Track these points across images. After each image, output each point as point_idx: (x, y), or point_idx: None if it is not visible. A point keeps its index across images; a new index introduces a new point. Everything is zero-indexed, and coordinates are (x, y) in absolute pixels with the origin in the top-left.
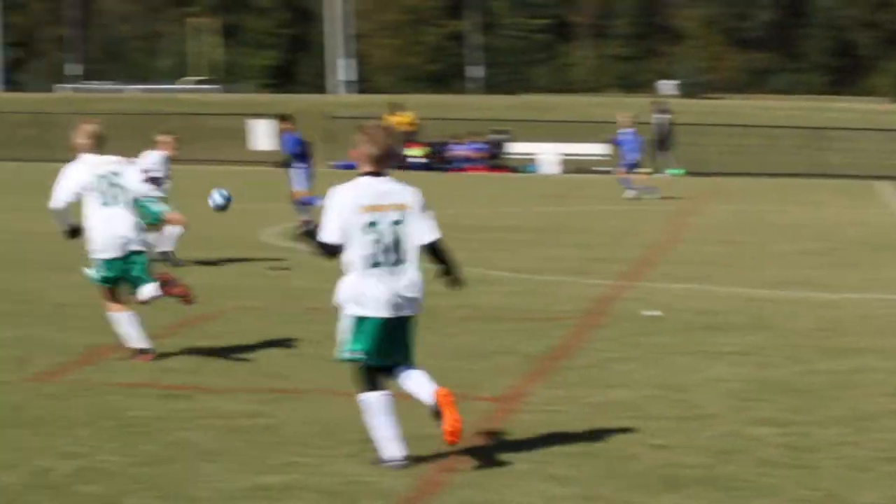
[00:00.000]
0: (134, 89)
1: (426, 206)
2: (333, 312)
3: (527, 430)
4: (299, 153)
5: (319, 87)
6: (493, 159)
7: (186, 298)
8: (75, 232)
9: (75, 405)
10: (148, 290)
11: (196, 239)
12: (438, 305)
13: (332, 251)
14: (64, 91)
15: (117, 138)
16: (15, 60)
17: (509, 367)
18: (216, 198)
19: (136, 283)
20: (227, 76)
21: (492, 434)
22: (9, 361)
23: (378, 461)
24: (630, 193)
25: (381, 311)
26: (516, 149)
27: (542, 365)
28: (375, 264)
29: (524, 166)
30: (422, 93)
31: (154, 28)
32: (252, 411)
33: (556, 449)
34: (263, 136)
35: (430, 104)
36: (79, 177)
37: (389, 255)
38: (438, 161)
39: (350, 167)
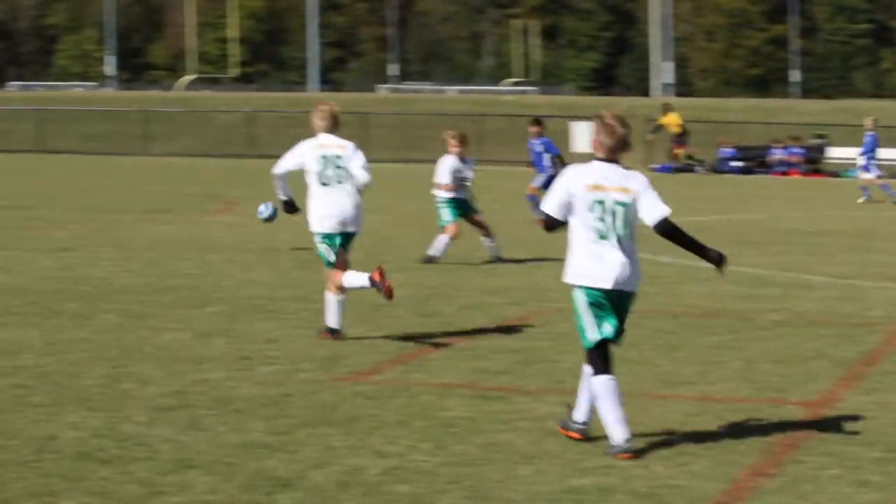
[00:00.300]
0: (454, 90)
1: (653, 188)
2: (649, 315)
3: (837, 435)
4: (545, 155)
5: (642, 91)
6: (813, 164)
7: (389, 294)
8: (291, 206)
9: (388, 405)
10: (355, 277)
11: (514, 240)
12: (753, 309)
13: (551, 224)
14: (384, 91)
15: (438, 139)
16: (334, 60)
17: (821, 371)
18: (262, 210)
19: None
20: (547, 77)
21: (802, 438)
22: (321, 360)
23: (612, 449)
24: (864, 197)
25: (606, 284)
26: (836, 153)
27: (854, 370)
28: (600, 238)
29: (844, 171)
30: (742, 96)
31: (476, 29)
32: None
33: (867, 454)
34: (584, 138)
35: (750, 108)
36: (305, 153)
37: (612, 232)
38: (757, 165)
39: (667, 169)
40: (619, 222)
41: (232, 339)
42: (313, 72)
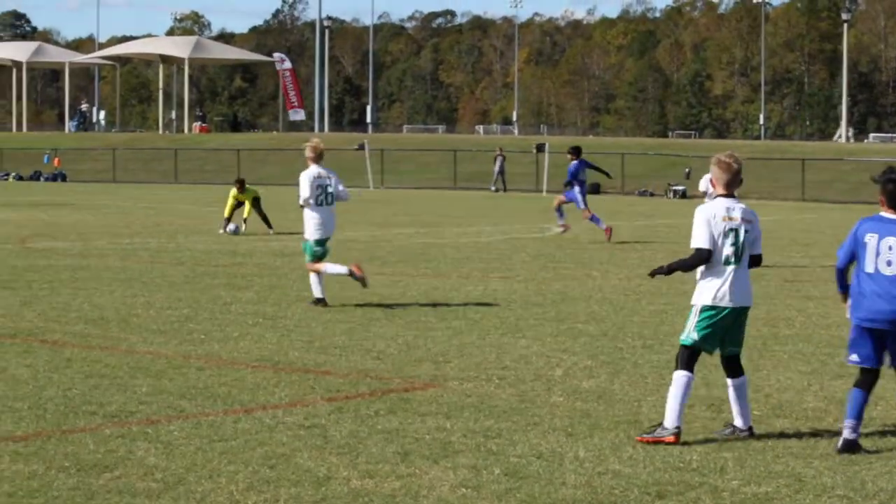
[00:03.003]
0: None
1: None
2: None
3: None
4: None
5: None
6: None
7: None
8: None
9: None
10: (335, 267)
11: None
12: None
13: (706, 256)
14: None
15: None
16: None
17: None
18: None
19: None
20: None
21: None
22: None
23: (652, 428)
24: None
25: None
26: None
27: None
28: (727, 263)
29: None
30: None
31: None
32: None
33: None
34: None
35: None
36: (308, 181)
37: (739, 256)
38: None
39: None
40: (743, 248)
41: None
42: None
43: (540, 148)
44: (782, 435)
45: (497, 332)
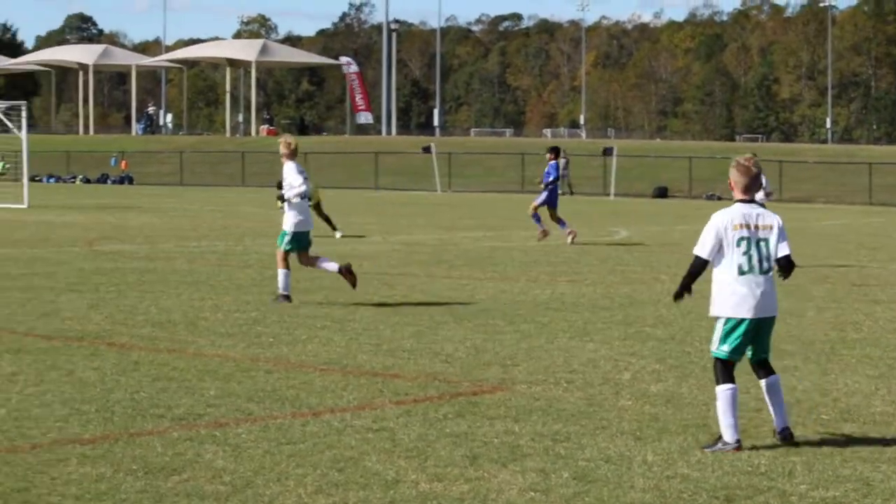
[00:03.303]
0: None
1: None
2: None
3: None
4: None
5: None
6: None
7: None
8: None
9: None
10: (331, 265)
11: None
12: None
13: (700, 265)
14: None
15: None
16: None
17: None
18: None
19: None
20: None
21: None
22: None
23: (712, 445)
24: None
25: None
26: None
27: None
28: (742, 273)
29: None
30: None
31: None
32: None
33: None
34: None
35: None
36: (299, 173)
37: (756, 265)
38: None
39: None
40: (765, 256)
41: None
42: None
43: (607, 152)
44: (850, 439)
45: (565, 335)
